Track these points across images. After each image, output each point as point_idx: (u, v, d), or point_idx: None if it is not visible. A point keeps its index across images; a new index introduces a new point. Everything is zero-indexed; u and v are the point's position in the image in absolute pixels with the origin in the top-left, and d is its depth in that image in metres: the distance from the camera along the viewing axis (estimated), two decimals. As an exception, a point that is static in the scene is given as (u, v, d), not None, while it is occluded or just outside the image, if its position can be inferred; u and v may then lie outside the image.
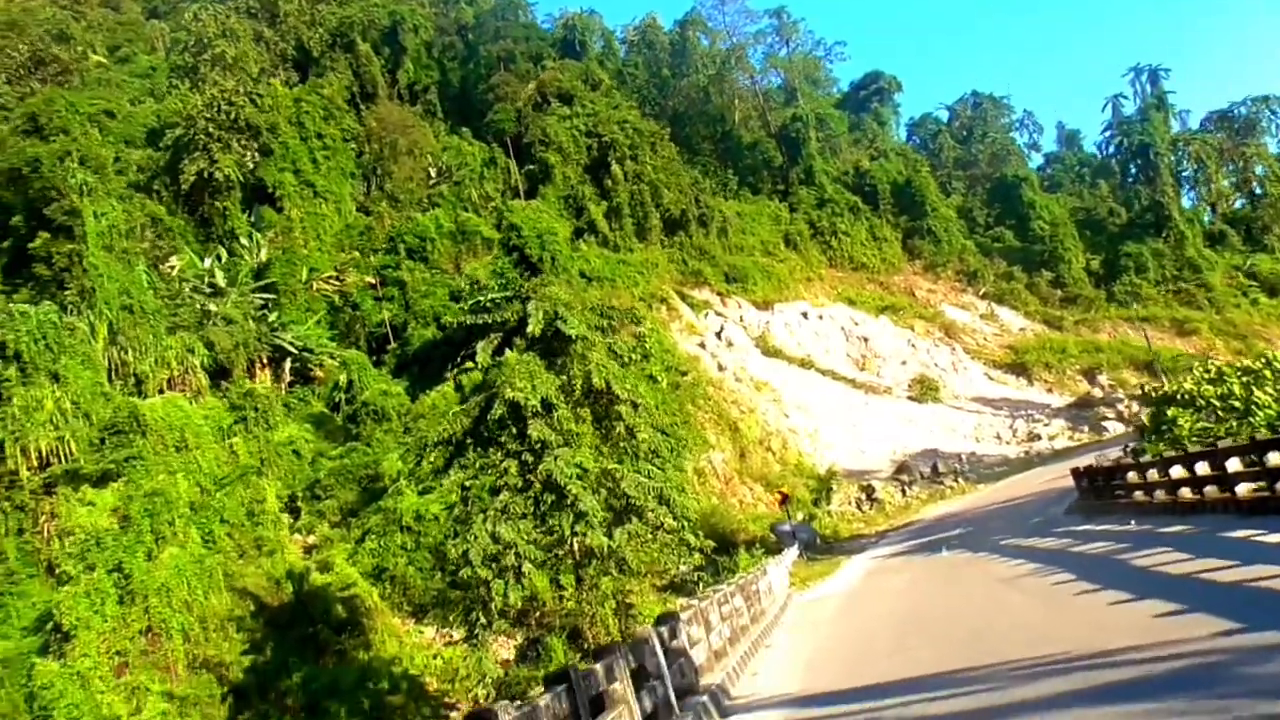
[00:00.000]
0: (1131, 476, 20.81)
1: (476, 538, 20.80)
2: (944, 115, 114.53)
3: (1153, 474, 19.54)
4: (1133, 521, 18.85)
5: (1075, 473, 26.62)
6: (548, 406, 21.61)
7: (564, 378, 23.00)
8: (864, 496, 51.00)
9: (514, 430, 21.96)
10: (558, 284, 26.70)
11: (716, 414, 52.65)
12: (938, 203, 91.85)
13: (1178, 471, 18.11)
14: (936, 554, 26.26)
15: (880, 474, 54.12)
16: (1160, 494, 19.10)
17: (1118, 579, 12.25)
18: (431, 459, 25.31)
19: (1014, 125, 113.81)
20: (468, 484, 23.31)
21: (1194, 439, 20.25)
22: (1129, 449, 26.70)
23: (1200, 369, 25.29)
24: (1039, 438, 59.20)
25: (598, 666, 8.37)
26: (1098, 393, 67.22)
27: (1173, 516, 17.52)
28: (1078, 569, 14.49)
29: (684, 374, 53.20)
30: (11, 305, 39.97)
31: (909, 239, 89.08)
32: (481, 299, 33.68)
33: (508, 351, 23.97)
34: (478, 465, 23.21)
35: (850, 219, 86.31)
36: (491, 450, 22.74)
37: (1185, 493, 17.76)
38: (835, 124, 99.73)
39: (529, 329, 23.05)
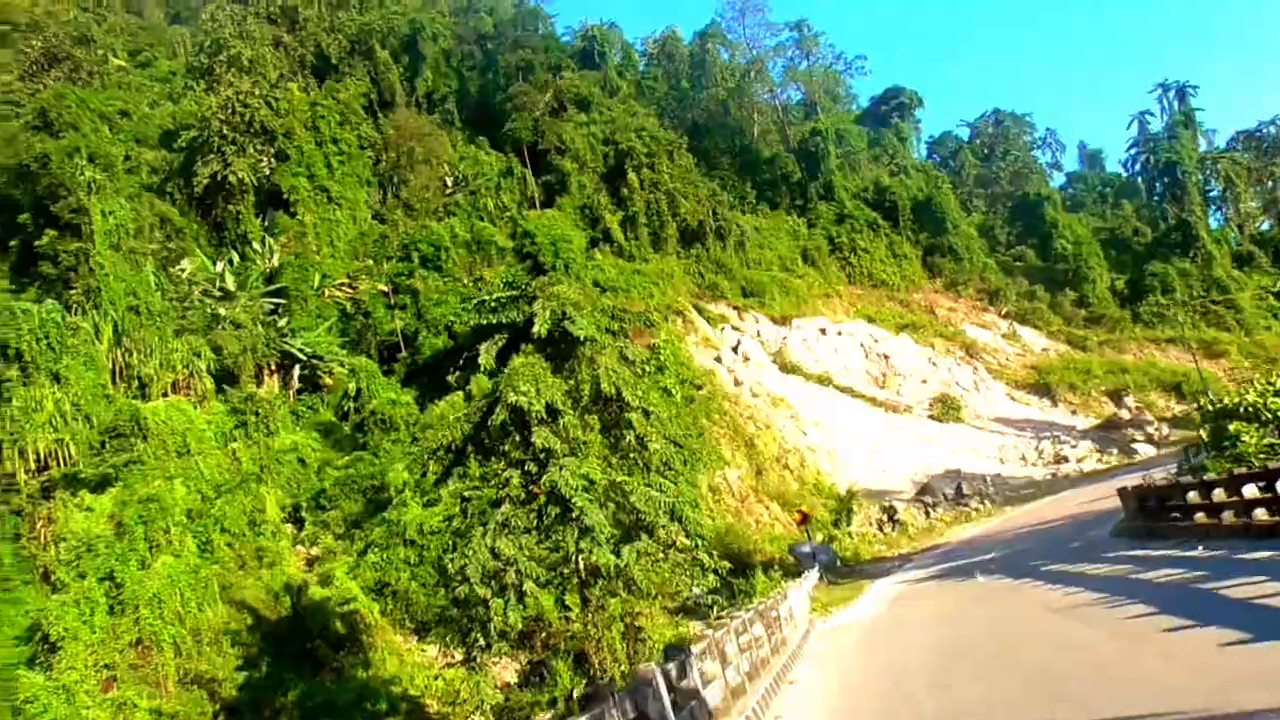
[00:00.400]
0: (1192, 497, 18.76)
1: (475, 553, 18.95)
2: (965, 133, 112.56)
3: (1219, 494, 17.51)
4: (1200, 546, 16.82)
5: (1123, 493, 24.53)
6: (553, 413, 19.79)
7: (571, 382, 21.19)
8: (885, 518, 48.85)
9: (517, 438, 20.15)
10: (566, 282, 24.95)
11: (732, 430, 50.65)
12: (959, 220, 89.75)
13: (1251, 491, 16.09)
14: (970, 579, 24.21)
15: (902, 495, 51.94)
16: (1229, 515, 17.07)
17: (1214, 614, 10.26)
18: (432, 469, 23.51)
19: (1036, 143, 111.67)
20: (467, 495, 21.51)
21: (1261, 454, 18.21)
22: (1184, 467, 24.59)
23: (1263, 380, 23.22)
24: (1066, 460, 56.85)
25: (587, 721, 6.52)
26: (1124, 414, 64.78)
27: (1248, 540, 15.49)
28: (1153, 599, 12.48)
29: (699, 387, 51.28)
30: (14, 303, 38.66)
31: (929, 256, 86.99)
32: (488, 299, 32.03)
33: (513, 356, 22.15)
34: (478, 475, 21.42)
35: (870, 235, 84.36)
36: (493, 459, 20.92)
37: (1261, 514, 15.73)
38: (854, 139, 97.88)
39: (534, 329, 21.25)
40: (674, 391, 41.10)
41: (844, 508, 47.52)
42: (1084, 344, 77.18)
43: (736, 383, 57.81)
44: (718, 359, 59.81)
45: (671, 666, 9.24)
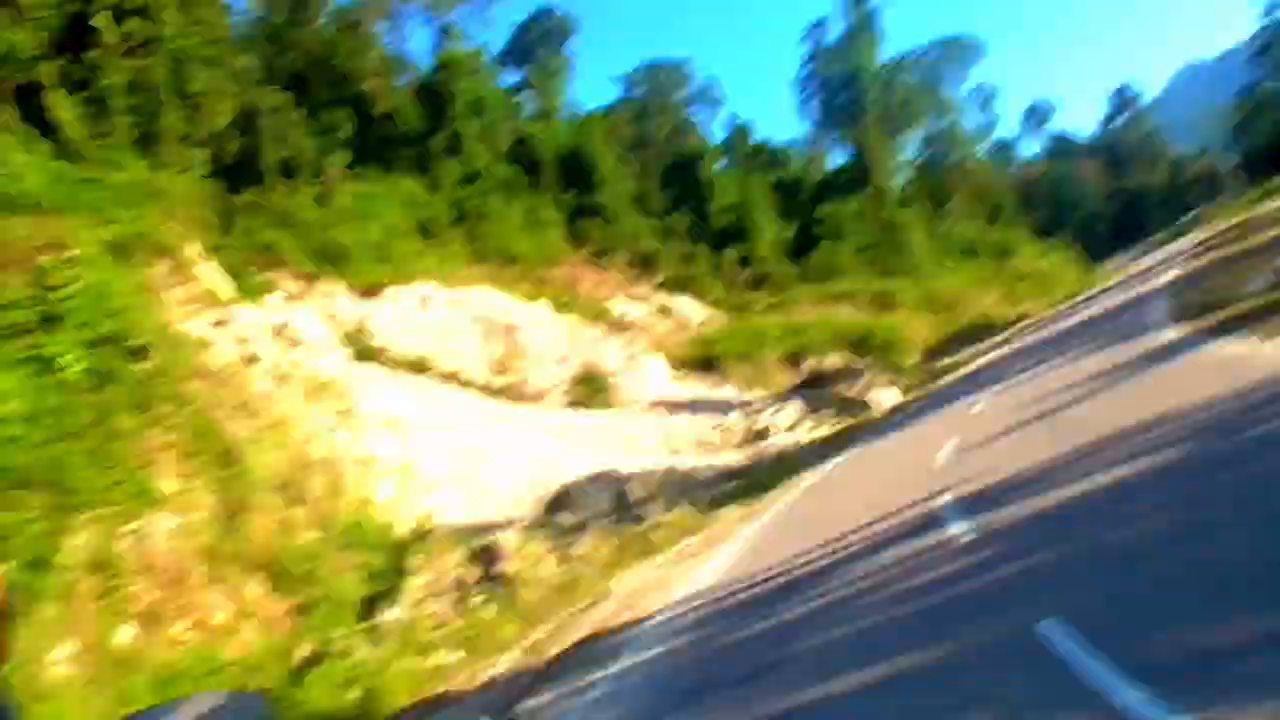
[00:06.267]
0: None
1: None
2: (617, 89, 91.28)
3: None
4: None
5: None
6: None
7: None
8: (481, 568, 24.76)
9: None
10: None
11: (199, 431, 24.86)
12: (612, 176, 69.41)
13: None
14: None
15: (516, 522, 28.57)
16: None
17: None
18: None
19: (695, 97, 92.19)
20: None
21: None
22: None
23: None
24: (766, 433, 36.32)
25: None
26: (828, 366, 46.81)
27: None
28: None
29: (141, 353, 24.64)
30: None
31: (576, 220, 65.77)
32: None
33: None
34: None
35: (506, 198, 61.40)
36: None
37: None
38: (487, 80, 73.80)
39: None
40: (73, 361, 15.38)
41: (396, 562, 23.11)
42: (749, 308, 59.83)
43: (253, 360, 31.88)
44: (220, 324, 33.47)
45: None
